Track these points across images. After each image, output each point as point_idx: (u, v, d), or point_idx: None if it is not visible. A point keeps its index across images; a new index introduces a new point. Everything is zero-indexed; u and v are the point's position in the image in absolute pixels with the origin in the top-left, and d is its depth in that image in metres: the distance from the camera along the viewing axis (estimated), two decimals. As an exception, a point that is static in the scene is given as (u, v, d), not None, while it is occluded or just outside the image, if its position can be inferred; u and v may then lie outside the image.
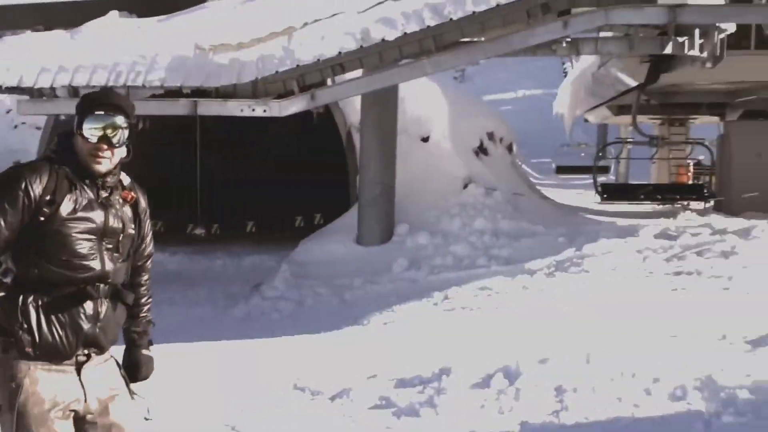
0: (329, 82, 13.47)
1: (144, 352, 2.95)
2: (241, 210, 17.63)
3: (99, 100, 2.73)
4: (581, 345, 6.15)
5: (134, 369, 2.90)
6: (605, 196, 18.65)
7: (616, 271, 9.52)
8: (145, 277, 2.97)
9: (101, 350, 2.72)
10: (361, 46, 12.23)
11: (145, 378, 2.95)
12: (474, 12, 12.24)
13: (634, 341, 6.26)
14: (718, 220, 12.93)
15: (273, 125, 14.73)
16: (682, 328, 6.62)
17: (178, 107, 12.78)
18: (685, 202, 17.61)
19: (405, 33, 12.32)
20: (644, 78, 15.67)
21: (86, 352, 2.67)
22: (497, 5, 12.20)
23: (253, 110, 12.57)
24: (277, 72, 12.34)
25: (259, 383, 6.03)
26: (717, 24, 13.53)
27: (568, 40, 13.35)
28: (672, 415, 4.91)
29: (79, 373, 2.65)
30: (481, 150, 16.93)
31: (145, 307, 2.96)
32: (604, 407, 5.02)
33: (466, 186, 15.00)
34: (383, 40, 12.33)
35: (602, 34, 14.64)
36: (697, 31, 13.43)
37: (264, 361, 6.76)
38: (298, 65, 12.30)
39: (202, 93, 12.41)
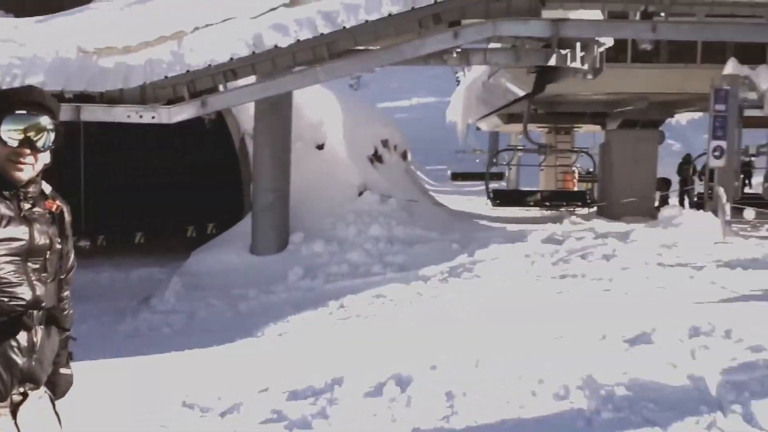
0: (221, 88, 13.24)
1: (62, 371, 2.60)
2: (128, 220, 17.02)
3: (19, 98, 2.36)
4: (472, 350, 6.28)
5: (51, 389, 2.57)
6: (497, 201, 19.21)
7: (506, 275, 9.82)
8: (67, 292, 2.62)
9: (37, 385, 2.40)
10: (254, 52, 12.10)
11: (62, 397, 2.62)
12: (367, 20, 12.36)
13: (522, 344, 6.45)
14: (601, 225, 13.56)
15: (164, 131, 14.34)
16: (567, 330, 6.87)
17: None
18: (571, 208, 18.39)
19: (298, 40, 12.28)
20: (531, 88, 16.27)
21: (22, 390, 2.33)
22: (390, 14, 12.36)
23: (141, 117, 12.18)
24: (166, 77, 12.02)
25: (146, 402, 5.82)
26: (596, 38, 14.23)
27: (459, 50, 13.71)
28: (555, 414, 5.09)
29: (14, 416, 2.31)
30: (376, 157, 17.11)
31: (68, 323, 2.63)
32: (492, 410, 5.14)
33: (361, 193, 15.11)
34: (276, 46, 12.25)
35: (491, 45, 15.07)
36: (578, 45, 14.10)
37: (152, 378, 6.54)
38: (188, 70, 12.02)
39: (86, 98, 11.90)
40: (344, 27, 12.29)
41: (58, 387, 2.61)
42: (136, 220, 16.85)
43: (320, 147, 15.99)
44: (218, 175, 17.44)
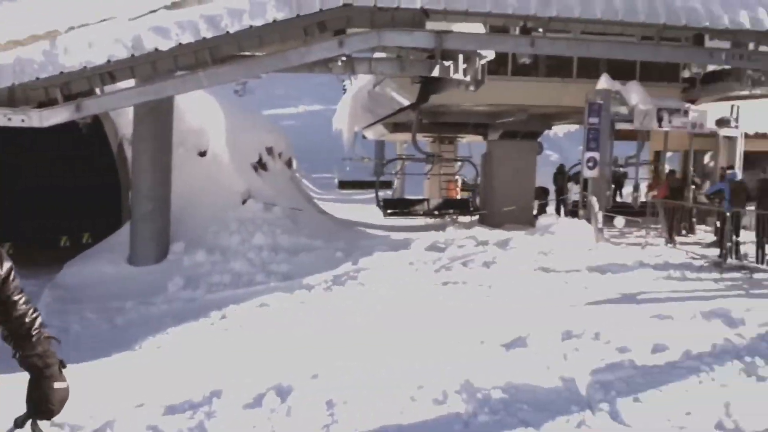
0: (98, 91, 12.71)
1: (56, 385, 2.41)
2: (-2, 229, 16.02)
3: None
4: (354, 358, 6.29)
5: (42, 403, 2.41)
6: (388, 211, 19.39)
7: (389, 283, 9.88)
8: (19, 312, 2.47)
9: None
10: (133, 55, 11.68)
11: (55, 414, 2.43)
12: (251, 26, 12.20)
13: (403, 351, 6.52)
14: (482, 233, 13.92)
15: (38, 135, 13.57)
16: (447, 336, 7.00)
17: None
18: (455, 216, 18.80)
19: (180, 43, 11.96)
20: (416, 98, 16.54)
21: None
22: (274, 21, 12.24)
23: (9, 119, 11.51)
24: (37, 78, 11.42)
25: (10, 424, 5.47)
26: (478, 51, 14.65)
27: (344, 58, 13.76)
28: (434, 419, 5.17)
29: None
30: (261, 165, 16.89)
31: (31, 322, 2.48)
32: (373, 417, 5.16)
33: (245, 201, 14.87)
34: (156, 49, 11.87)
35: (377, 54, 15.22)
36: (461, 57, 14.46)
37: (17, 398, 6.14)
38: (62, 72, 11.46)
39: (-54, 99, 11.14)
40: (228, 32, 12.07)
41: (44, 403, 2.41)
42: (5, 230, 15.85)
43: (203, 154, 15.62)
44: (95, 183, 16.68)
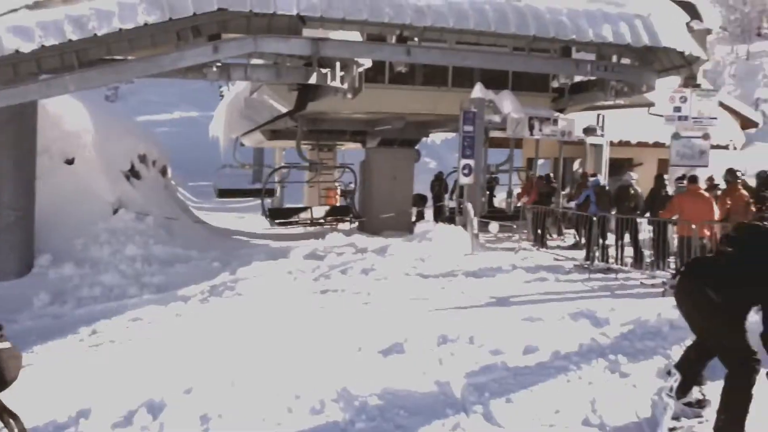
0: (-48, 95, 11.86)
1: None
2: None
3: None
4: (229, 370, 6.14)
5: None
6: (275, 220, 19.12)
7: (268, 292, 9.74)
8: None
9: None
10: (-10, 57, 10.99)
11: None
12: (121, 29, 11.74)
13: (281, 361, 6.43)
14: (361, 240, 13.99)
15: None
16: (326, 344, 6.97)
17: None
18: (334, 224, 18.82)
19: (43, 45, 11.35)
20: (294, 105, 16.44)
21: None
22: (145, 24, 11.84)
23: None
24: None
25: None
26: (355, 59, 14.76)
27: (219, 64, 13.50)
28: (311, 428, 5.13)
29: None
30: (133, 173, 16.25)
31: None
32: (248, 429, 5.06)
33: (116, 211, 14.26)
34: (18, 51, 11.22)
35: (254, 61, 15.02)
36: (338, 64, 14.52)
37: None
38: None
39: None
40: (95, 34, 11.57)
41: None
42: None
43: (70, 161, 14.85)
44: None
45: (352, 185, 20.94)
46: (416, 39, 15.08)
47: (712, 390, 5.11)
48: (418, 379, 5.90)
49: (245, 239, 15.62)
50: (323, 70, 14.26)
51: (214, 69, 13.40)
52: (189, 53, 12.67)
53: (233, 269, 11.13)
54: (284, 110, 17.04)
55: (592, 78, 17.95)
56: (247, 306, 8.99)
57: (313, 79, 14.06)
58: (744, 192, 12.41)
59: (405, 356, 6.54)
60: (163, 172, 18.15)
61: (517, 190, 20.91)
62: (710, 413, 5.05)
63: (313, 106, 16.56)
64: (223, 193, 23.68)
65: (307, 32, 13.97)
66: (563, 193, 20.02)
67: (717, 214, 11.55)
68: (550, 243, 15.79)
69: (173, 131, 43.97)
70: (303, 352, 6.72)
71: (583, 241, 14.50)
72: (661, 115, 17.69)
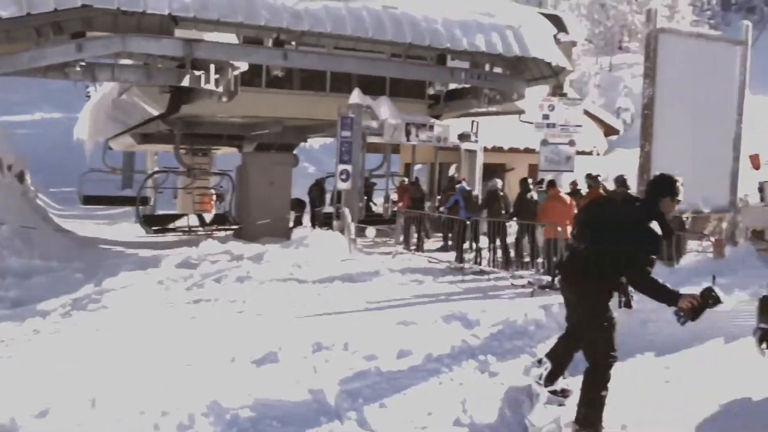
0: None
1: None
2: None
3: None
4: (90, 388, 5.77)
5: None
6: (153, 228, 18.34)
7: (136, 304, 9.29)
8: None
9: None
10: None
11: None
12: (-30, 24, 10.95)
13: (148, 375, 6.12)
14: (237, 247, 13.65)
15: None
16: (197, 356, 6.70)
17: None
18: (216, 231, 18.32)
19: None
20: (166, 108, 15.89)
21: None
22: (0, 19, 11.10)
23: None
24: None
25: None
26: (231, 61, 14.45)
27: (83, 63, 12.84)
28: (179, 446, 4.90)
29: None
30: (-15, 178, 15.19)
31: None
32: (109, 452, 4.78)
33: (-33, 220, 13.24)
34: None
35: (122, 61, 14.42)
36: (212, 67, 14.16)
37: None
38: None
39: None
40: (-58, 28, 10.74)
41: None
42: None
43: None
44: None
45: (223, 189, 20.40)
46: (293, 43, 14.95)
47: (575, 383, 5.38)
48: (292, 388, 5.78)
49: (113, 248, 14.88)
50: (197, 73, 13.86)
51: (78, 69, 12.73)
52: (50, 51, 11.99)
53: (99, 280, 10.55)
54: (156, 113, 16.42)
55: (467, 86, 18.44)
56: (113, 319, 8.52)
57: (186, 82, 13.64)
58: (605, 195, 13.08)
59: (279, 365, 6.39)
60: (21, 177, 17.05)
61: (393, 196, 21.16)
62: (572, 401, 5.40)
63: (187, 109, 16.07)
64: (89, 200, 22.41)
65: (179, 33, 13.55)
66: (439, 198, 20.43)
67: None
68: (428, 245, 16.04)
69: (34, 133, 41.53)
70: (172, 365, 6.42)
71: (450, 243, 14.91)
72: (531, 123, 18.44)
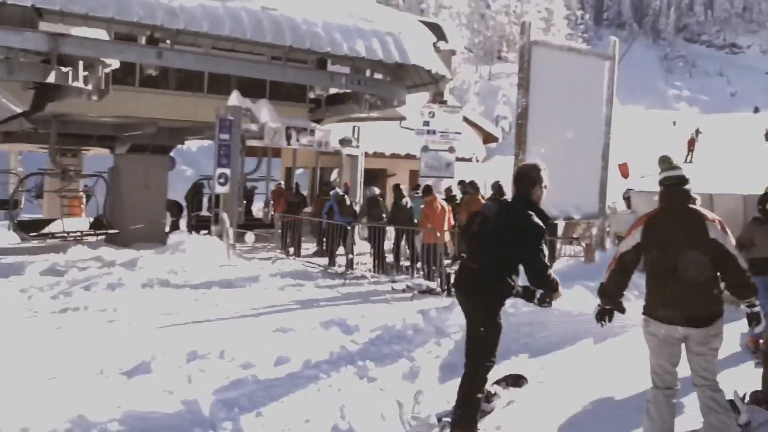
0: None
1: None
2: None
3: None
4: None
5: None
6: (30, 233, 17.15)
7: (-5, 314, 8.70)
8: None
9: None
10: None
11: None
12: None
13: (7, 391, 5.72)
14: (108, 252, 13.05)
15: None
16: (62, 369, 6.34)
17: None
18: (87, 234, 17.42)
19: None
20: (30, 105, 15.02)
21: None
22: None
23: None
24: None
25: None
26: (101, 58, 13.82)
27: (-65, 56, 11.94)
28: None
29: None
30: None
31: None
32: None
33: None
34: None
35: (-19, 54, 13.48)
36: (81, 63, 13.49)
37: None
38: None
39: None
40: None
41: None
42: None
43: None
44: None
45: (91, 191, 19.43)
46: (169, 42, 14.50)
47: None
48: (165, 399, 5.56)
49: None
50: (64, 69, 13.16)
51: (-72, 61, 11.82)
52: None
53: (-50, 291, 9.82)
54: (19, 110, 15.44)
55: (348, 90, 18.50)
56: (-33, 330, 7.93)
57: (51, 78, 12.92)
58: (483, 201, 13.51)
59: (151, 375, 6.15)
60: None
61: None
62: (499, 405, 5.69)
63: (54, 107, 15.23)
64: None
65: (45, 26, 12.84)
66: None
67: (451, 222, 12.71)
68: (306, 250, 15.96)
69: None
70: (34, 379, 6.04)
71: (324, 248, 14.94)
72: (412, 129, 18.74)
